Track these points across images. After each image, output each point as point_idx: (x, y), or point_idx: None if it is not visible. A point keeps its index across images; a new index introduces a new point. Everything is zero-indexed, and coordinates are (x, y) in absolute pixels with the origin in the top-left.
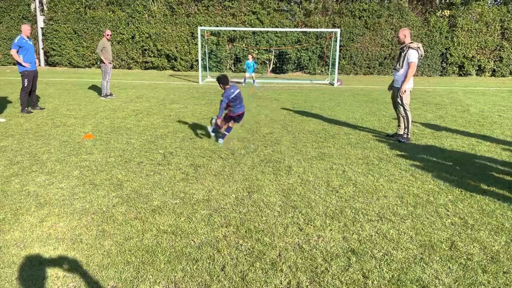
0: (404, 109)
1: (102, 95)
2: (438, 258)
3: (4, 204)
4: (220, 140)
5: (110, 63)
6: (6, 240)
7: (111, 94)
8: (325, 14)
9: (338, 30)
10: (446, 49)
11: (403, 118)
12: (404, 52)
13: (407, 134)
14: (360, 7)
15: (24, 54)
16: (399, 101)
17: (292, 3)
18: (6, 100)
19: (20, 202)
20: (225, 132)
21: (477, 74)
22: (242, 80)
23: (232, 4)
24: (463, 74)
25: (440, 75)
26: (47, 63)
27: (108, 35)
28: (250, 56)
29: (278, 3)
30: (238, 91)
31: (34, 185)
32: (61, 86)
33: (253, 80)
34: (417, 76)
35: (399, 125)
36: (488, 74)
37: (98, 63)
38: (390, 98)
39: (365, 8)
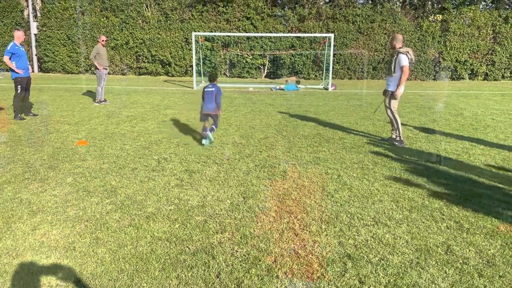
0: (392, 112)
1: (96, 101)
2: (434, 262)
3: None
4: (203, 141)
5: (105, 69)
6: None
7: (105, 100)
8: (319, 19)
9: (332, 35)
10: (439, 53)
11: (393, 122)
12: (394, 58)
13: (400, 137)
14: (354, 12)
15: (17, 60)
16: (386, 104)
17: (286, 9)
18: None
19: (12, 210)
20: (204, 132)
21: (470, 78)
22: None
23: (226, 9)
24: (456, 78)
25: (433, 79)
26: (41, 70)
27: (103, 40)
28: (292, 79)
29: (271, 9)
30: (211, 89)
31: (26, 192)
32: (55, 93)
33: (277, 87)
34: (410, 80)
35: (393, 129)
36: (481, 78)
37: (93, 69)
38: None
39: (358, 13)
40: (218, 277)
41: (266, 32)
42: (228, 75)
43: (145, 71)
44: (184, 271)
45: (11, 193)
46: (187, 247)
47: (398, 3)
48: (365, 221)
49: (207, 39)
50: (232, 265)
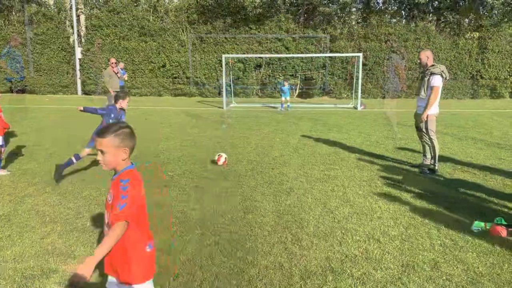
0: (430, 137)
1: None
2: (417, 278)
3: (12, 222)
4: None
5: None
6: (6, 255)
7: None
8: (351, 39)
9: (361, 54)
10: (476, 71)
11: (428, 147)
12: (427, 78)
13: (434, 165)
14: (386, 31)
15: None
16: (423, 129)
17: (318, 30)
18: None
19: (28, 220)
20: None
21: (510, 97)
22: (279, 106)
23: (258, 32)
24: (495, 97)
25: (471, 97)
26: (84, 92)
27: (112, 63)
28: (286, 82)
29: (303, 30)
30: None
31: (44, 205)
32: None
33: (288, 104)
34: (446, 99)
35: (424, 155)
36: None
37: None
38: (414, 125)
39: (390, 32)
40: (200, 286)
41: (298, 53)
42: (260, 95)
43: (181, 92)
44: (170, 279)
45: (30, 205)
46: (179, 258)
47: (432, 21)
48: (358, 237)
49: (239, 60)
50: (216, 275)
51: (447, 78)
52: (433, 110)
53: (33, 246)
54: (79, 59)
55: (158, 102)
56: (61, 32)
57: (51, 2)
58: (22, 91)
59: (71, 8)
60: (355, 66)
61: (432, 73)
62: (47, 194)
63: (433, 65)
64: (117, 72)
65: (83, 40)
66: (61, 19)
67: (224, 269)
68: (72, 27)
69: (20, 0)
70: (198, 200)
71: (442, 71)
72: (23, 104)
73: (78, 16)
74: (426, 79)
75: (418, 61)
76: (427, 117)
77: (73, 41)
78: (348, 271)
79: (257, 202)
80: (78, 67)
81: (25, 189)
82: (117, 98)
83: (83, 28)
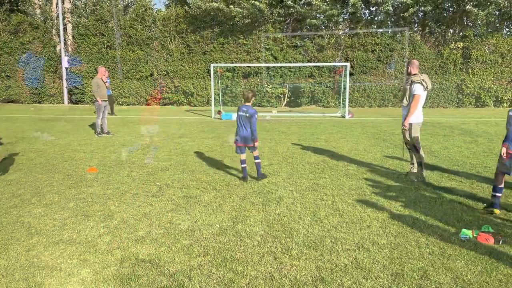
0: (415, 146)
1: (97, 132)
2: (406, 287)
3: None
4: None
5: (105, 101)
6: None
7: (108, 132)
8: (338, 49)
9: (348, 64)
10: (461, 80)
11: (415, 156)
12: (409, 86)
13: (422, 173)
14: (372, 41)
15: None
16: (408, 137)
17: (305, 39)
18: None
19: (13, 232)
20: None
21: (494, 105)
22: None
23: (247, 41)
24: (480, 105)
25: (457, 106)
26: (70, 101)
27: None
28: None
29: (291, 40)
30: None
31: (29, 216)
32: (79, 123)
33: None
34: (432, 108)
35: (412, 163)
36: (506, 105)
37: (123, 100)
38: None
39: (377, 42)
40: None
41: (286, 62)
42: None
43: (169, 101)
44: None
45: (15, 216)
46: (168, 269)
47: (418, 31)
48: (347, 246)
49: (228, 69)
50: (205, 286)
51: (428, 87)
52: (417, 118)
53: (18, 258)
54: (65, 68)
55: (146, 111)
56: (48, 41)
57: (38, 11)
58: (7, 100)
59: (57, 17)
60: (343, 75)
61: (412, 82)
62: (33, 205)
63: (415, 74)
64: (105, 82)
65: (70, 49)
66: (48, 28)
67: (213, 280)
68: (59, 36)
69: (5, 10)
70: (187, 210)
71: (423, 80)
72: (8, 114)
73: (65, 25)
74: (408, 87)
75: (405, 70)
76: (410, 126)
77: (60, 50)
78: (338, 280)
79: (247, 212)
80: (64, 76)
81: (10, 200)
82: (248, 97)
83: (70, 37)
